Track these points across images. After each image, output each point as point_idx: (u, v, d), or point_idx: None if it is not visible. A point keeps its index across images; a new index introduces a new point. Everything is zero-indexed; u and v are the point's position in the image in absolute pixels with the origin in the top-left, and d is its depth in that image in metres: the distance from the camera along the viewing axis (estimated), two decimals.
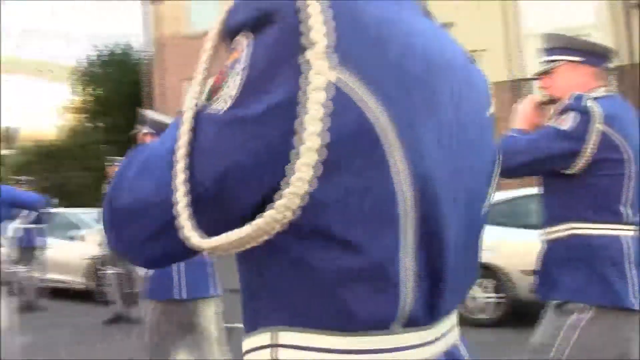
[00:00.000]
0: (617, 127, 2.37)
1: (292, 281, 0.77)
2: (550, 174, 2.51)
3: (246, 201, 0.74)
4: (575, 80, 2.56)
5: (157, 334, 3.47)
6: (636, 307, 2.32)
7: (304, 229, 0.73)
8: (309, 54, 0.70)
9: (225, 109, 0.73)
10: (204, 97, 0.79)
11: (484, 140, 0.91)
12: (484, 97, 0.93)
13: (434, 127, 0.78)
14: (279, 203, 0.70)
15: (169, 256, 0.83)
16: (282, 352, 0.78)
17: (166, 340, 3.44)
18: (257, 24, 0.74)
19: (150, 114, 4.10)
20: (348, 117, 0.71)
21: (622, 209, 2.39)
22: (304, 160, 0.69)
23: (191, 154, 0.74)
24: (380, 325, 0.77)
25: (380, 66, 0.74)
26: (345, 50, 0.72)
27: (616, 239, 2.39)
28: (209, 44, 0.82)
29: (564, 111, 2.44)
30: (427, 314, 0.81)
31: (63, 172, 22.40)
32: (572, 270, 2.40)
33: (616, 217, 2.39)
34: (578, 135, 2.36)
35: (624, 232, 2.39)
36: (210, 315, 3.55)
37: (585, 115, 2.37)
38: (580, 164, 2.37)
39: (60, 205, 19.44)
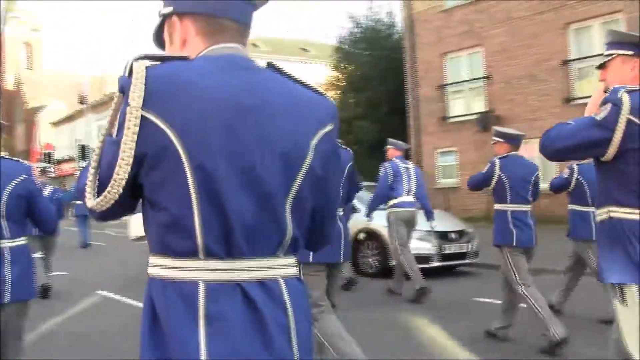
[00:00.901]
0: None
1: (151, 226, 1.45)
2: (596, 162, 2.76)
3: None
4: (626, 72, 2.82)
5: None
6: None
7: (146, 199, 1.43)
8: (131, 105, 1.35)
9: (113, 135, 1.44)
10: (106, 129, 1.48)
11: (289, 149, 1.46)
12: (309, 123, 1.52)
13: (225, 143, 1.38)
14: (111, 184, 1.39)
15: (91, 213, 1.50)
16: (150, 269, 1.45)
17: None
18: (121, 91, 1.42)
19: None
20: (155, 140, 1.35)
21: None
22: (121, 162, 1.36)
23: (100, 159, 1.46)
24: (190, 254, 1.38)
25: (175, 109, 1.35)
26: (153, 101, 1.36)
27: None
28: (115, 99, 1.44)
29: (604, 103, 2.68)
30: (224, 251, 1.39)
31: None
32: (611, 253, 2.63)
33: None
34: (608, 125, 2.61)
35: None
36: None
37: (616, 106, 2.61)
38: (611, 151, 2.62)
39: None
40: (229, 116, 1.39)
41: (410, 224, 8.18)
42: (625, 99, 2.60)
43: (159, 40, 1.68)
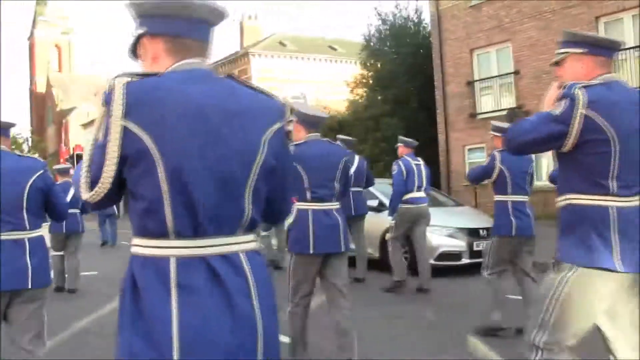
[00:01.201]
0: (602, 111, 2.79)
1: (132, 213, 1.78)
2: (557, 153, 2.98)
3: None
4: (580, 69, 3.07)
5: None
6: (618, 269, 2.74)
7: (129, 191, 1.76)
8: (113, 116, 1.69)
9: (99, 139, 1.78)
10: (95, 134, 1.80)
11: (245, 145, 1.80)
12: (260, 122, 1.85)
13: (192, 144, 1.71)
14: (100, 181, 1.74)
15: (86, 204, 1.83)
16: (132, 248, 1.79)
17: None
18: (105, 104, 1.74)
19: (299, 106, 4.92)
20: (134, 144, 1.68)
21: (608, 182, 2.81)
22: (108, 163, 1.71)
23: (92, 159, 1.79)
24: (163, 235, 1.72)
25: (150, 118, 1.68)
26: (131, 112, 1.68)
27: (603, 209, 2.81)
28: (99, 111, 1.77)
29: (561, 98, 2.90)
30: (191, 231, 1.71)
31: (354, 143, 23.47)
32: (566, 235, 2.89)
33: (603, 190, 2.82)
34: (565, 119, 2.83)
35: (611, 202, 2.80)
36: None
37: (572, 101, 2.83)
38: (569, 144, 2.85)
39: None
40: (195, 121, 1.73)
41: (422, 218, 8.58)
42: (580, 94, 2.83)
43: (134, 54, 1.99)
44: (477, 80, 20.35)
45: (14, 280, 3.78)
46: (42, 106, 78.14)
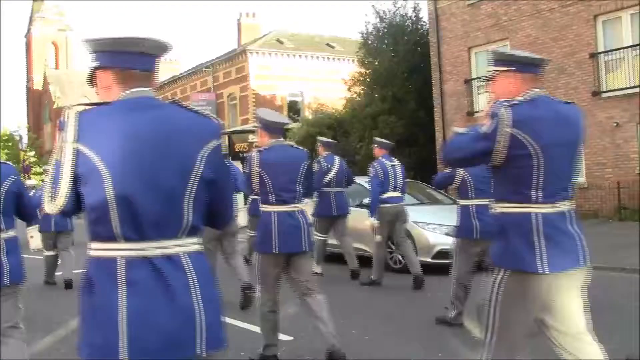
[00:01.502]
0: (525, 129, 3.03)
1: (87, 220, 2.08)
2: (490, 166, 3.21)
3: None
4: (508, 86, 3.25)
5: None
6: (543, 271, 3.00)
7: (83, 202, 2.06)
8: (67, 141, 2.02)
9: (59, 159, 2.08)
10: (56, 155, 2.08)
11: (183, 161, 2.08)
12: (197, 140, 2.13)
13: (134, 161, 2.00)
14: (57, 196, 2.05)
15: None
16: (88, 252, 2.07)
17: None
18: (60, 129, 2.06)
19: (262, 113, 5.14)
20: (86, 164, 1.99)
21: (532, 192, 3.08)
22: (63, 181, 2.02)
23: (53, 177, 2.10)
24: (112, 239, 2.00)
25: (99, 141, 1.99)
26: (82, 136, 2.01)
27: (526, 215, 3.07)
28: (58, 137, 2.08)
29: (490, 116, 3.14)
30: (137, 236, 2.00)
31: (349, 142, 23.32)
32: (498, 240, 3.16)
33: (527, 199, 3.08)
34: (491, 137, 3.06)
35: (535, 209, 3.07)
36: None
37: (498, 119, 3.05)
38: (497, 159, 3.09)
39: None
40: (137, 142, 2.03)
41: (399, 218, 8.88)
42: (505, 114, 3.04)
43: (92, 83, 2.28)
44: (475, 79, 20.36)
45: None
46: (38, 103, 78.03)
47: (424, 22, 24.20)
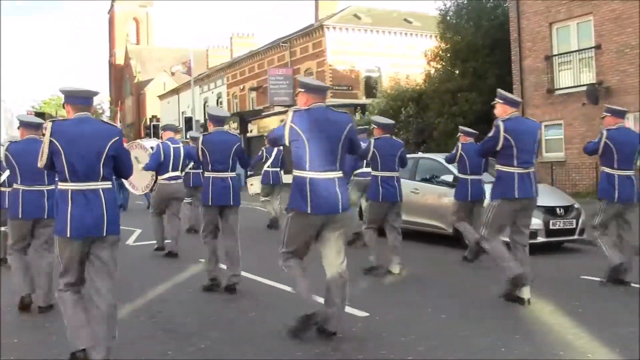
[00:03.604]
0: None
1: (56, 173, 4.60)
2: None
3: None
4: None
5: None
6: (309, 212, 5.00)
7: (55, 165, 4.50)
8: (46, 136, 4.47)
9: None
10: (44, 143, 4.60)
11: (99, 147, 4.45)
12: (107, 136, 4.51)
13: (77, 147, 4.38)
14: (40, 161, 4.49)
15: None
16: (59, 186, 4.57)
17: None
18: (44, 130, 5.03)
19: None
20: (54, 147, 4.38)
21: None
22: (43, 154, 4.44)
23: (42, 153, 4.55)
24: (66, 180, 4.43)
25: (61, 138, 4.38)
26: (53, 134, 4.39)
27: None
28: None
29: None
30: (76, 179, 4.39)
31: (428, 118, 23.28)
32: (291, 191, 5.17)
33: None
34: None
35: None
36: None
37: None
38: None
39: (426, 150, 20.53)
40: (79, 137, 4.38)
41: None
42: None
43: (63, 107, 4.67)
44: (555, 55, 20.02)
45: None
46: (120, 78, 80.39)
47: None
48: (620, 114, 7.33)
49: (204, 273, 7.45)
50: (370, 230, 8.33)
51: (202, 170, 8.12)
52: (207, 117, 7.68)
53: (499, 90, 6.59)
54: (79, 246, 4.35)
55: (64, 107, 4.58)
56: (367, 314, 5.95)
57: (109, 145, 4.41)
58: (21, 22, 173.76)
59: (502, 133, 6.24)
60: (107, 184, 4.45)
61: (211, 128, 7.28)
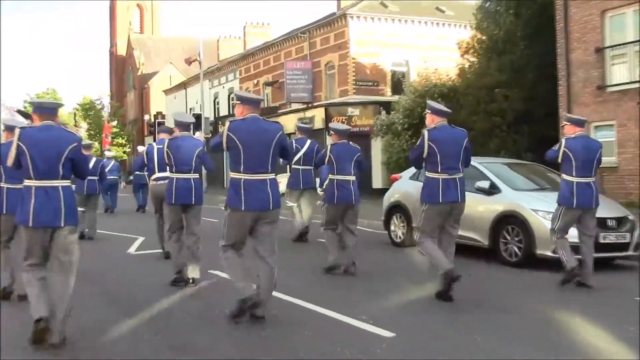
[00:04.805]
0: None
1: (21, 171, 5.96)
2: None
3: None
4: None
5: None
6: (241, 209, 6.26)
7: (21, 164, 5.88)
8: (14, 140, 5.80)
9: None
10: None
11: (59, 151, 5.71)
12: (66, 142, 5.77)
13: (39, 149, 5.66)
14: (8, 161, 5.90)
15: None
16: (25, 183, 5.86)
17: None
18: (13, 136, 6.35)
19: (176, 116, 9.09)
20: (21, 149, 5.65)
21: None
22: (10, 155, 5.73)
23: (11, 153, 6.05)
24: (30, 178, 5.71)
25: (27, 141, 5.66)
26: (21, 139, 5.67)
27: (237, 179, 6.35)
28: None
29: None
30: (39, 177, 5.65)
31: (463, 115, 22.85)
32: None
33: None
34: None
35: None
36: None
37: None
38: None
39: None
40: (42, 142, 5.63)
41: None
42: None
43: (30, 117, 7.33)
44: (608, 47, 19.65)
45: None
46: (122, 70, 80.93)
47: None
48: (580, 123, 8.69)
49: (213, 283, 8.62)
50: (329, 231, 9.65)
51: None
52: (174, 122, 8.96)
53: (429, 102, 8.11)
54: (39, 234, 5.68)
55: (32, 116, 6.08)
56: (394, 334, 6.00)
57: (68, 150, 5.74)
58: (17, 17, 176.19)
59: (426, 141, 7.51)
60: (66, 182, 5.82)
61: (177, 132, 8.77)
